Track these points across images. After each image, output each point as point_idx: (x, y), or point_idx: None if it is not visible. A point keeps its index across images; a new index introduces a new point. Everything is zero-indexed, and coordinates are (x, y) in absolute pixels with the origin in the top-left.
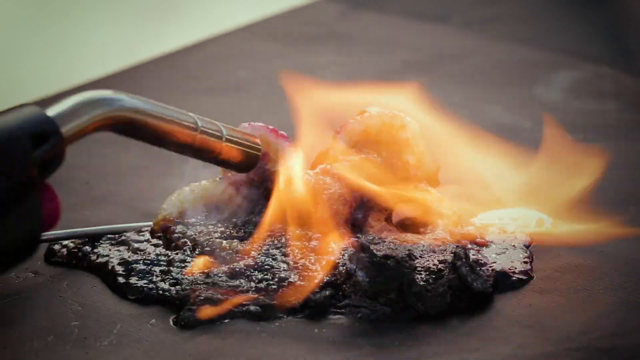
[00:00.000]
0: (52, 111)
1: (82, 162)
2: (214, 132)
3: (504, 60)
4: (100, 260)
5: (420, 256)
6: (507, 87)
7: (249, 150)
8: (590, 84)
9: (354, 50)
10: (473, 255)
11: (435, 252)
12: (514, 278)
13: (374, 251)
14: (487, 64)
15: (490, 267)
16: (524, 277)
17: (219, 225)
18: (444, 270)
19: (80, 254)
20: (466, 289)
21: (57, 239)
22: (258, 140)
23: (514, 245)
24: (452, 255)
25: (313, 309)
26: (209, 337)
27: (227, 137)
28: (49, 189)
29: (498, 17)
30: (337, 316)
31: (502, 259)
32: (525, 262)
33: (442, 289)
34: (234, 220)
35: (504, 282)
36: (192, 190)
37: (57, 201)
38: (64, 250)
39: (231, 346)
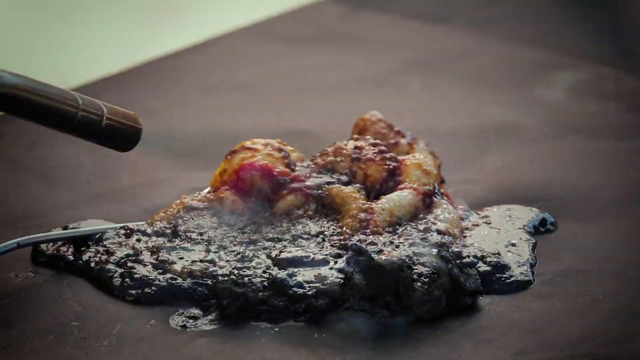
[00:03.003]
0: None
1: (82, 160)
2: (94, 111)
3: (505, 61)
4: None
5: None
6: (509, 87)
7: (129, 128)
8: (592, 85)
9: (356, 51)
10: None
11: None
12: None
13: (372, 254)
14: (488, 64)
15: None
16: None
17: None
18: (436, 274)
19: (62, 258)
20: (459, 289)
21: (35, 243)
22: (138, 119)
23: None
24: (441, 258)
25: (313, 314)
26: (208, 340)
27: (108, 115)
28: None
29: (499, 18)
30: (336, 320)
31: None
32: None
33: (438, 292)
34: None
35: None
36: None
37: None
38: (49, 251)
39: (231, 350)
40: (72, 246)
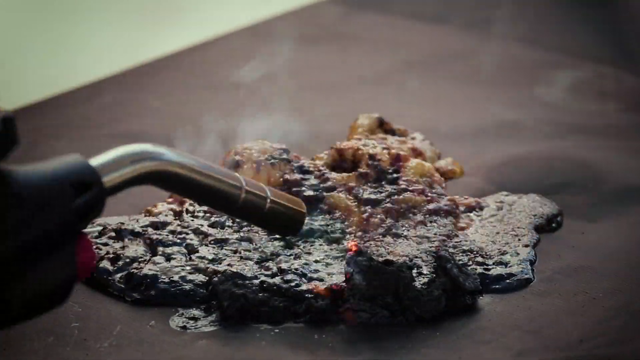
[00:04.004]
0: (95, 161)
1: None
2: (258, 193)
3: (505, 61)
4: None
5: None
6: (509, 87)
7: (293, 213)
8: (592, 84)
9: (356, 51)
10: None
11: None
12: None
13: (372, 255)
14: (488, 64)
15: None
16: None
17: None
18: (435, 274)
19: None
20: (458, 289)
21: None
22: (302, 203)
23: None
24: (438, 258)
25: (313, 315)
26: (209, 342)
27: (272, 198)
28: (85, 239)
29: (499, 18)
30: (336, 321)
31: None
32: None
33: (437, 292)
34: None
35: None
36: None
37: (92, 251)
38: None
39: (231, 351)
40: None
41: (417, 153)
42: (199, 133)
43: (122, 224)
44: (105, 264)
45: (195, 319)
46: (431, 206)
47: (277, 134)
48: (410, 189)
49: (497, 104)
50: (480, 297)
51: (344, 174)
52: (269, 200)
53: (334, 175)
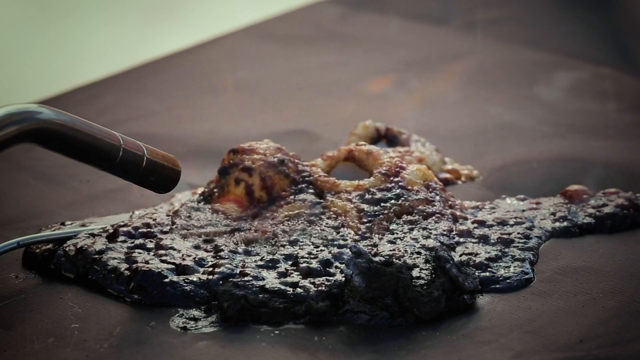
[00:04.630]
0: None
1: None
2: (135, 151)
3: (504, 61)
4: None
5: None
6: (508, 87)
7: (169, 170)
8: (591, 85)
9: (355, 51)
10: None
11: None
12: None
13: (371, 257)
14: (487, 64)
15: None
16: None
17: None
18: (434, 274)
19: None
20: (457, 289)
21: (36, 242)
22: (177, 161)
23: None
24: (438, 258)
25: (313, 317)
26: (208, 343)
27: (148, 156)
28: None
29: (499, 19)
30: (336, 322)
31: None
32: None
33: (437, 293)
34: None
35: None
36: None
37: None
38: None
39: (231, 353)
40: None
41: (419, 160)
42: (199, 133)
43: (123, 224)
44: (107, 262)
45: (195, 319)
46: (430, 209)
47: (277, 134)
48: (410, 191)
49: (497, 104)
50: (480, 297)
51: (346, 182)
52: (145, 158)
53: (332, 179)
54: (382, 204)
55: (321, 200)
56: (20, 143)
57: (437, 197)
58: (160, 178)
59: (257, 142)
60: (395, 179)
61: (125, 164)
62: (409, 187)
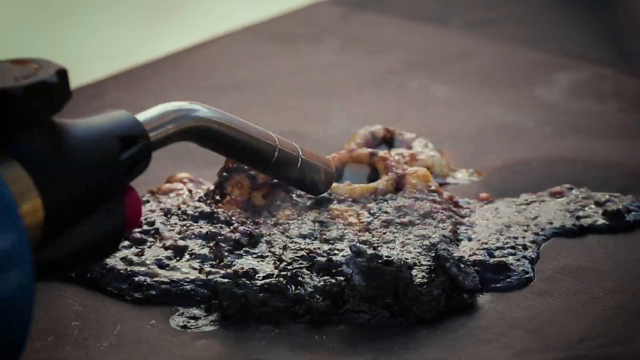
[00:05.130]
0: (141, 116)
1: None
2: (290, 152)
3: (505, 62)
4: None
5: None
6: (509, 87)
7: (323, 172)
8: (591, 85)
9: (355, 51)
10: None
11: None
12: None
13: (370, 256)
14: (488, 65)
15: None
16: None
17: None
18: (434, 273)
19: None
20: (457, 288)
21: None
22: (332, 163)
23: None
24: (437, 258)
25: (313, 316)
26: (209, 342)
27: (303, 157)
28: (133, 192)
29: (499, 19)
30: (337, 322)
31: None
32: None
33: (437, 292)
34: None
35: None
36: None
37: (139, 204)
38: None
39: (231, 352)
40: None
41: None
42: None
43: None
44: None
45: (195, 318)
46: (430, 209)
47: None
48: (413, 193)
49: (497, 105)
50: (481, 296)
51: (353, 185)
52: (300, 159)
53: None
54: (385, 206)
55: (325, 202)
56: (178, 141)
57: (438, 198)
58: (315, 179)
59: None
60: (401, 182)
61: (280, 164)
62: (412, 189)
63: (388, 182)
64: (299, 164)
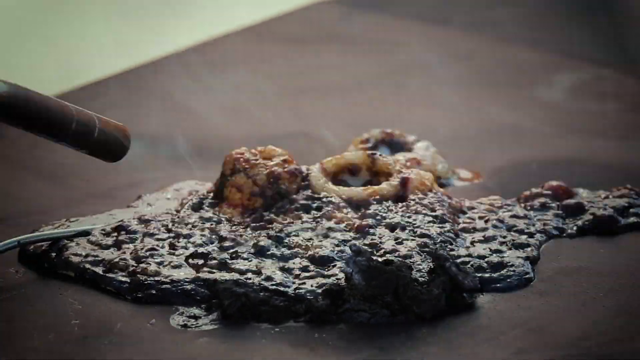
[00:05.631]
0: None
1: (82, 159)
2: (88, 122)
3: (505, 62)
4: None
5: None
6: (509, 88)
7: (119, 140)
8: (592, 86)
9: (356, 52)
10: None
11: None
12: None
13: (370, 255)
14: (488, 65)
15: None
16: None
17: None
18: (434, 273)
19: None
20: (457, 287)
21: (36, 241)
22: (127, 131)
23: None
24: (437, 257)
25: (314, 315)
26: (209, 340)
27: (99, 127)
28: None
29: (499, 20)
30: (337, 321)
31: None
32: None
33: (437, 291)
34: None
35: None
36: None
37: None
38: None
39: (231, 350)
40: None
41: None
42: (200, 134)
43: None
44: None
45: (195, 317)
46: (431, 209)
47: (277, 135)
48: (415, 195)
49: (498, 105)
50: (481, 295)
51: (354, 189)
52: (97, 129)
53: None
54: (387, 208)
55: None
56: None
57: (438, 199)
58: (111, 147)
59: (262, 150)
60: (404, 185)
61: (78, 134)
62: (415, 192)
63: (391, 185)
64: (96, 133)
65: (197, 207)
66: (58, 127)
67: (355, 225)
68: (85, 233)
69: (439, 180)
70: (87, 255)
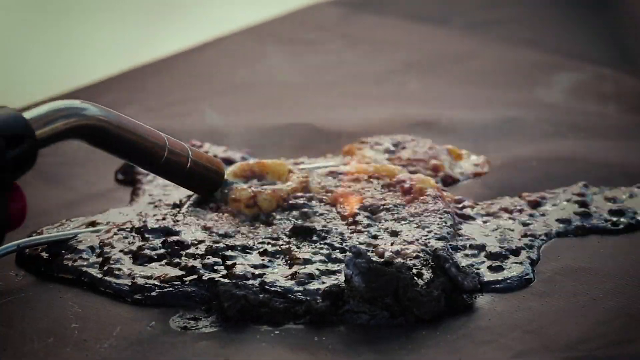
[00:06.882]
0: (28, 114)
1: (82, 160)
2: (180, 152)
3: (505, 62)
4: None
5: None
6: (509, 88)
7: (212, 173)
8: (591, 86)
9: (356, 52)
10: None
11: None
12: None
13: (370, 257)
14: (488, 65)
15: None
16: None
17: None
18: (434, 274)
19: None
20: (457, 288)
21: (35, 245)
22: (222, 164)
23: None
24: (437, 258)
25: (313, 317)
26: (209, 343)
27: (192, 158)
28: (18, 190)
29: (499, 20)
30: (336, 322)
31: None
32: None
33: (437, 292)
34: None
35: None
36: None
37: (24, 202)
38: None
39: (231, 353)
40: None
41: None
42: (199, 134)
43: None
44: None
45: (195, 319)
46: (431, 210)
47: (277, 135)
48: (416, 197)
49: (498, 105)
50: (480, 296)
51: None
52: (190, 160)
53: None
54: (387, 209)
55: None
56: (67, 139)
57: (438, 199)
58: (204, 180)
59: (270, 163)
60: (407, 187)
61: (170, 164)
62: (417, 194)
63: (392, 187)
64: (189, 164)
65: (197, 205)
66: (149, 157)
67: (353, 226)
68: (87, 234)
69: (445, 172)
70: (86, 258)
